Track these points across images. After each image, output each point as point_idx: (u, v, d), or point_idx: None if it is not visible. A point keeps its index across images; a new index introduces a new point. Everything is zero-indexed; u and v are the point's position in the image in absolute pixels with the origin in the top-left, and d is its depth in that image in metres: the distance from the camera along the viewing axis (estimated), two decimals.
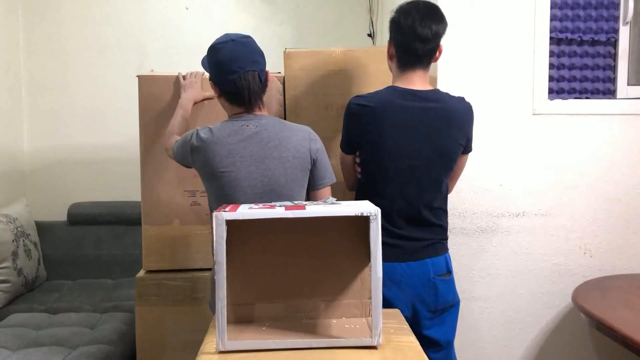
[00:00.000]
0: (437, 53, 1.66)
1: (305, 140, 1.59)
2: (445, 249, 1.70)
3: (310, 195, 1.65)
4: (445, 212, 1.72)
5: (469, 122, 1.68)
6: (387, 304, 1.46)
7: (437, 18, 1.61)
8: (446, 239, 1.71)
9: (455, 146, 1.65)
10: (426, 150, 1.61)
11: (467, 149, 1.71)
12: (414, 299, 1.62)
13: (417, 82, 1.64)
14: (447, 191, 1.73)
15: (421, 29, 1.58)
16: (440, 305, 1.65)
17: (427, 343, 1.52)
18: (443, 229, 1.70)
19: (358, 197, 1.73)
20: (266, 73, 1.62)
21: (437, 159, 1.63)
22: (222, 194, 1.56)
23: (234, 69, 1.56)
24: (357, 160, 1.71)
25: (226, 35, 1.62)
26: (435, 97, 1.63)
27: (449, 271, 1.68)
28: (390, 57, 1.69)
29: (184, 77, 1.97)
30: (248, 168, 1.54)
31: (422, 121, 1.60)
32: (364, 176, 1.69)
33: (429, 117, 1.61)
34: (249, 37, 1.63)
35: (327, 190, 1.65)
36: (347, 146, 1.70)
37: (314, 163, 1.60)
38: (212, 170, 1.55)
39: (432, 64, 1.68)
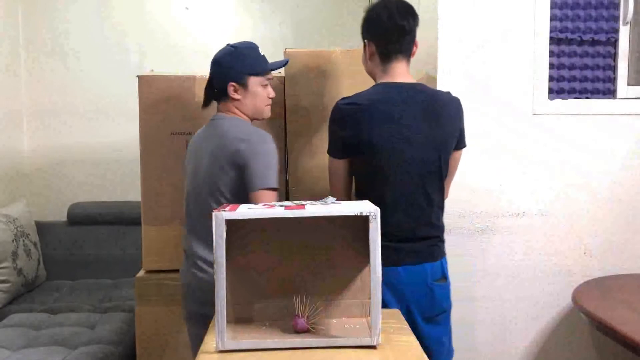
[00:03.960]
0: (414, 47, 1.68)
1: (235, 141, 1.64)
2: (443, 253, 1.67)
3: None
4: (442, 211, 1.70)
5: (459, 114, 1.67)
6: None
7: (411, 14, 1.65)
8: (443, 241, 1.69)
9: (449, 138, 1.65)
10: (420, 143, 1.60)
11: (460, 143, 1.69)
12: (410, 303, 1.59)
13: (400, 75, 1.64)
14: (445, 192, 1.71)
15: (401, 21, 1.62)
16: (436, 311, 1.63)
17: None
18: (440, 230, 1.68)
19: (355, 197, 1.72)
20: (230, 85, 1.66)
21: (432, 153, 1.61)
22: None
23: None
24: (349, 165, 1.67)
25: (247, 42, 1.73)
26: (422, 89, 1.64)
27: (445, 277, 1.65)
28: (370, 57, 1.68)
29: None
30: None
31: (413, 114, 1.59)
32: (359, 177, 1.67)
33: (419, 110, 1.59)
34: (234, 46, 1.69)
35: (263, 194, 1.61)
36: (337, 150, 1.65)
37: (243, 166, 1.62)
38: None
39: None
